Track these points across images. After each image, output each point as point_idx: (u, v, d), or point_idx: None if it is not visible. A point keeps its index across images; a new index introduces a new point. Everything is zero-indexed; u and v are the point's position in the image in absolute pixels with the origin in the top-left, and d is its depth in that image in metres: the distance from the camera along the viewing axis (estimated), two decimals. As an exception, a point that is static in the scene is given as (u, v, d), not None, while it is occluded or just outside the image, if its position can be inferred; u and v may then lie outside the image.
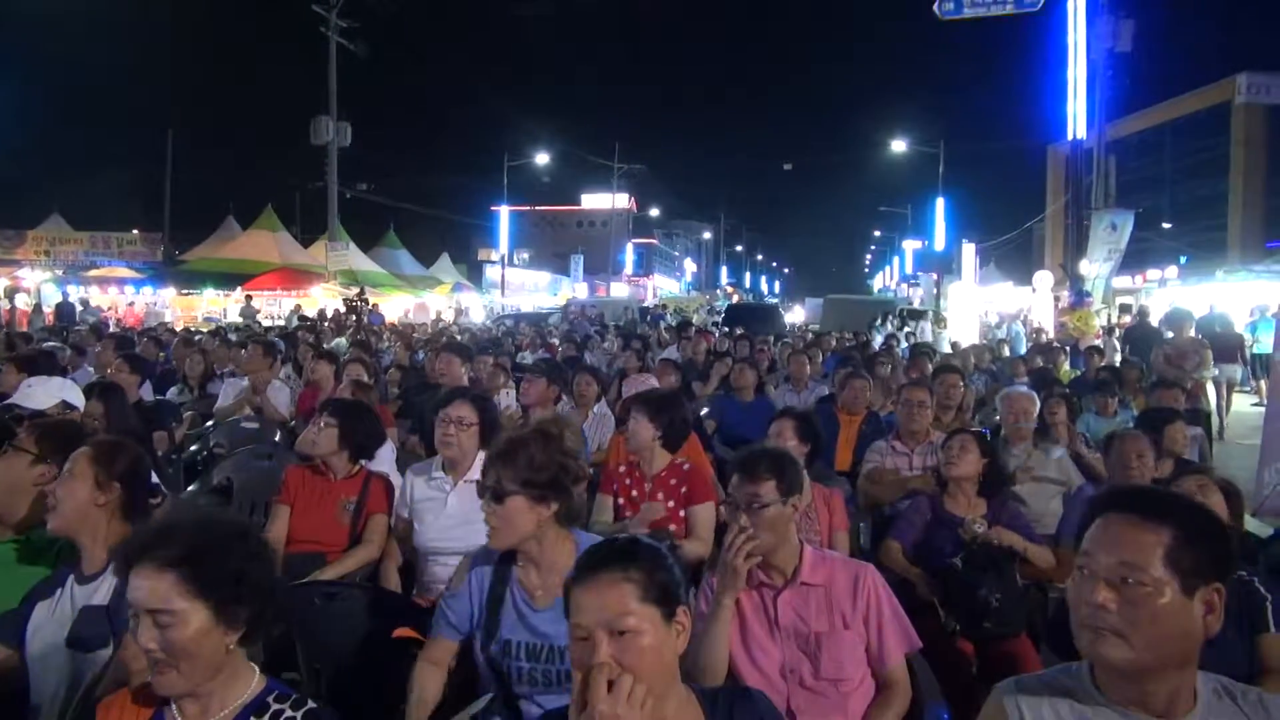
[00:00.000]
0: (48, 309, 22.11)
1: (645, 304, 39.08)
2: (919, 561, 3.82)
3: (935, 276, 38.24)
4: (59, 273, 25.21)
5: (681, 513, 3.92)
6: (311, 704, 1.86)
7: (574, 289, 52.10)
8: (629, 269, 68.41)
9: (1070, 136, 19.10)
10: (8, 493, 2.80)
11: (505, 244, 47.17)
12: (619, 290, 55.07)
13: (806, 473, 3.25)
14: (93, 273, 25.73)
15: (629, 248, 70.15)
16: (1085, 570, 1.64)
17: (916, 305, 34.08)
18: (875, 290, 77.78)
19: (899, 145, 43.27)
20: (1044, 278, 22.47)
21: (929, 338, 19.79)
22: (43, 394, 4.01)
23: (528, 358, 11.75)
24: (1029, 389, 5.82)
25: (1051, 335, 17.43)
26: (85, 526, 2.54)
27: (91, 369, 8.28)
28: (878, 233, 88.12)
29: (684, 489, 3.95)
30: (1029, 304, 23.90)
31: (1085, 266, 18.17)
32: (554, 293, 49.16)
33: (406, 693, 2.53)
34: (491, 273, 45.64)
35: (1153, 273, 29.36)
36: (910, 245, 61.84)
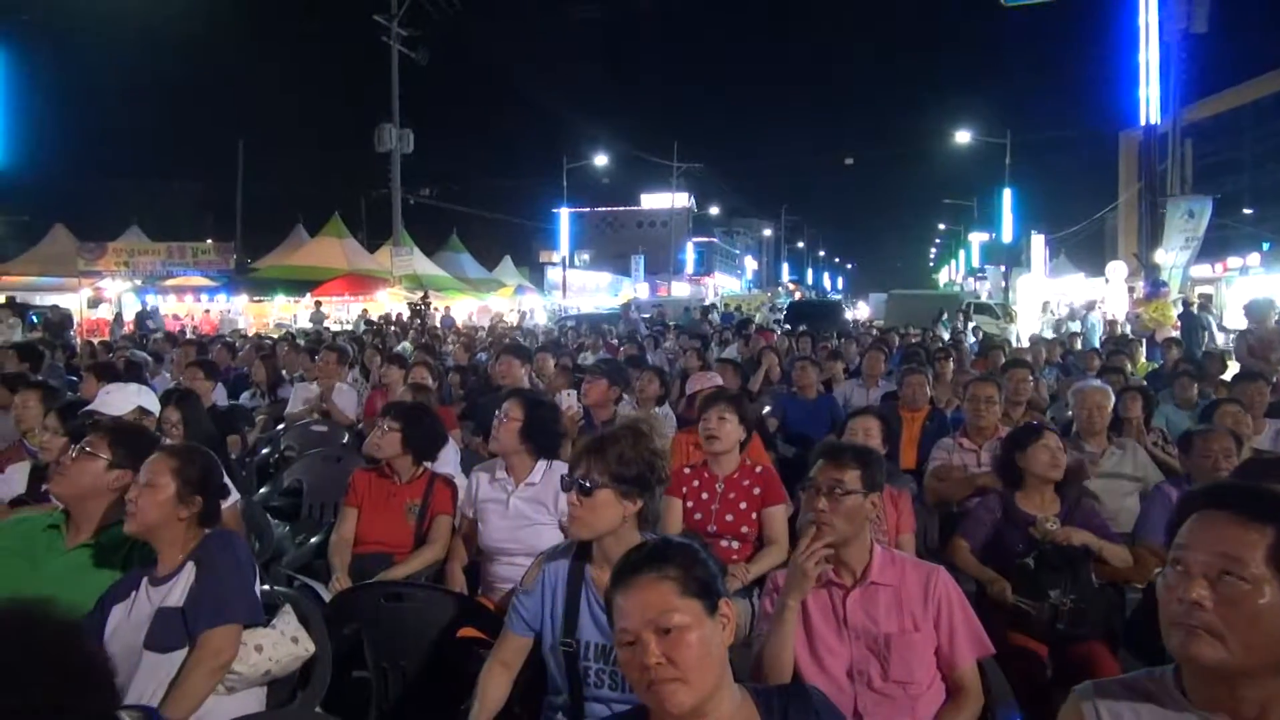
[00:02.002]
0: (128, 319, 22.91)
1: (706, 303, 38.96)
2: (988, 561, 3.72)
3: (1003, 269, 37.50)
4: (138, 283, 26.07)
5: (754, 515, 3.87)
6: None
7: (635, 289, 52.21)
8: (690, 268, 68.33)
9: (1143, 122, 18.58)
10: (86, 496, 2.88)
11: (566, 245, 47.57)
12: (680, 290, 55.05)
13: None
14: (169, 282, 26.56)
15: (689, 246, 70.12)
16: (1179, 566, 1.56)
17: (984, 299, 33.37)
18: (941, 285, 76.40)
19: (963, 136, 42.43)
20: (1117, 268, 21.86)
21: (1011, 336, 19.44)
22: (120, 400, 4.13)
23: (589, 358, 11.79)
24: (1103, 383, 5.65)
25: (1124, 327, 16.95)
26: (164, 533, 2.61)
27: (169, 375, 8.56)
28: (942, 226, 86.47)
29: (756, 490, 3.90)
30: (1102, 295, 23.25)
31: (1161, 256, 17.63)
32: (615, 293, 49.29)
33: (472, 692, 2.54)
34: (553, 274, 45.98)
35: (1233, 260, 28.39)
36: (976, 238, 60.75)
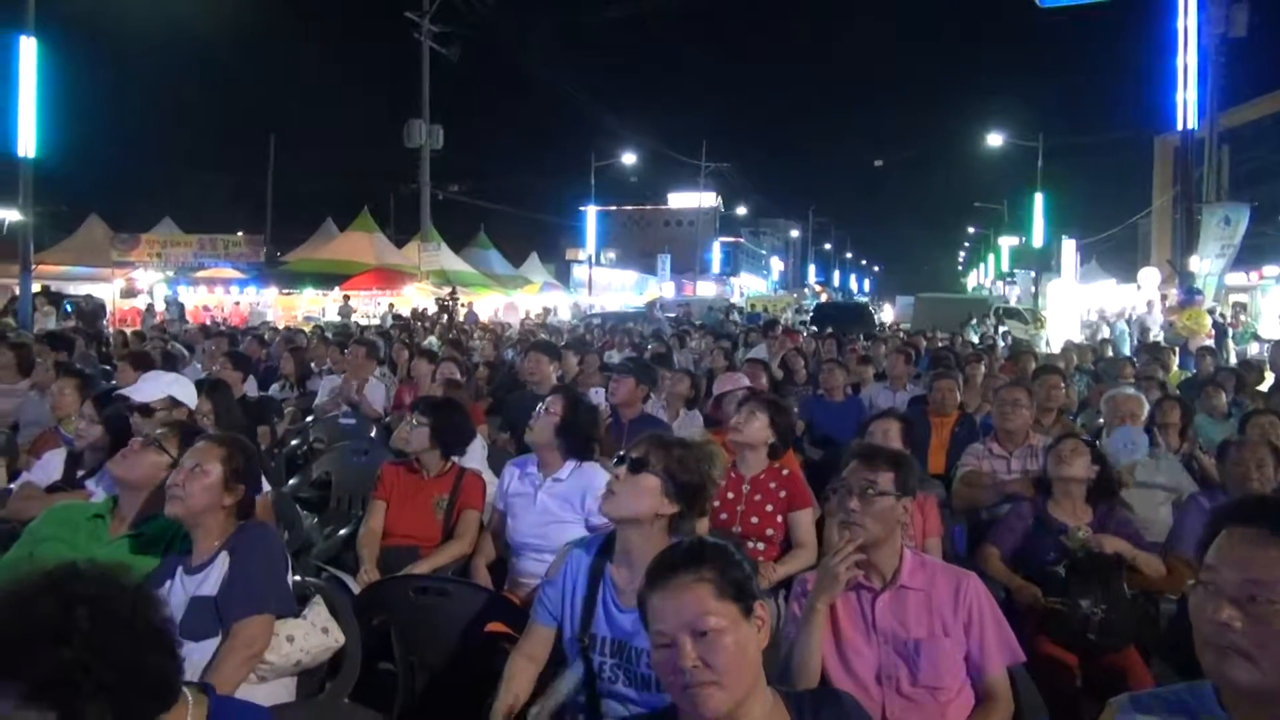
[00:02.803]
0: (160, 309, 23.19)
1: (733, 302, 38.84)
2: (1019, 569, 3.68)
3: (1033, 274, 37.09)
4: (170, 274, 26.40)
5: (780, 518, 3.86)
6: None
7: (661, 288, 52.18)
8: (716, 268, 68.19)
9: (1180, 126, 18.30)
10: (140, 485, 2.93)
11: (592, 243, 47.61)
12: (706, 289, 54.95)
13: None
14: (200, 274, 26.90)
15: (716, 246, 69.95)
16: (1209, 586, 1.54)
17: (1013, 304, 33.03)
18: (969, 288, 75.78)
19: (995, 139, 42.00)
20: (1150, 275, 21.58)
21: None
22: (152, 388, 4.14)
23: (615, 357, 11.79)
24: (1136, 390, 5.58)
25: (1155, 335, 16.74)
26: (206, 519, 2.65)
27: (200, 366, 8.66)
28: (972, 229, 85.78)
29: (783, 493, 3.89)
30: (1134, 302, 22.97)
31: (1195, 263, 17.40)
32: (640, 292, 49.32)
33: (498, 686, 2.54)
34: (579, 272, 46.11)
35: (1270, 269, 27.85)
36: (1006, 242, 60.13)
